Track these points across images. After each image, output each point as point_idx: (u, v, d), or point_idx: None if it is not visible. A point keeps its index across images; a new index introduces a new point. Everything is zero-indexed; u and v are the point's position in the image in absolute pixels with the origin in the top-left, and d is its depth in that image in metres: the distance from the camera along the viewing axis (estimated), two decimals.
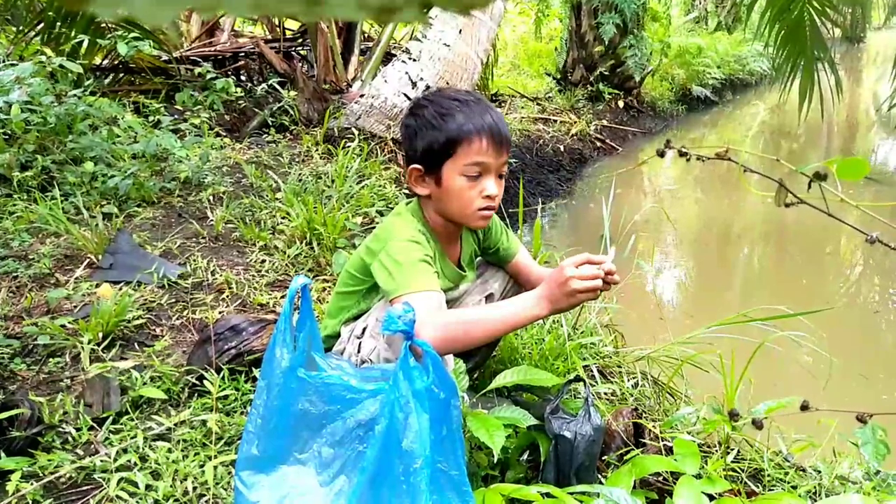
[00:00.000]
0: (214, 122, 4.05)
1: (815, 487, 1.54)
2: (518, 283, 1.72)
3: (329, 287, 2.40)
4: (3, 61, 3.65)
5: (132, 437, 1.53)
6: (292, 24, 5.95)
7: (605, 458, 1.55)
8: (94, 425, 1.58)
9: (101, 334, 1.91)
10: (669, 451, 1.52)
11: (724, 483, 1.35)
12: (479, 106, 1.43)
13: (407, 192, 3.37)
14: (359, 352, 1.41)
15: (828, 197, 0.86)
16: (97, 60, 4.50)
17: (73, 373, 1.79)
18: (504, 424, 1.35)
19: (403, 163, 1.52)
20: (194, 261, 2.43)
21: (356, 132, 3.90)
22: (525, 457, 1.55)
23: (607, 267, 1.29)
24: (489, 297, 1.65)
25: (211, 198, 3.01)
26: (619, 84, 7.21)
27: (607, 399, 1.94)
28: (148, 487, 1.39)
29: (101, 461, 1.45)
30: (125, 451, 1.49)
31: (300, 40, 5.64)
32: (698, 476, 1.34)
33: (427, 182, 1.45)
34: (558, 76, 7.47)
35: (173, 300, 2.18)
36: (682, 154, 0.89)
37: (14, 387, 1.72)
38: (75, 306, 2.08)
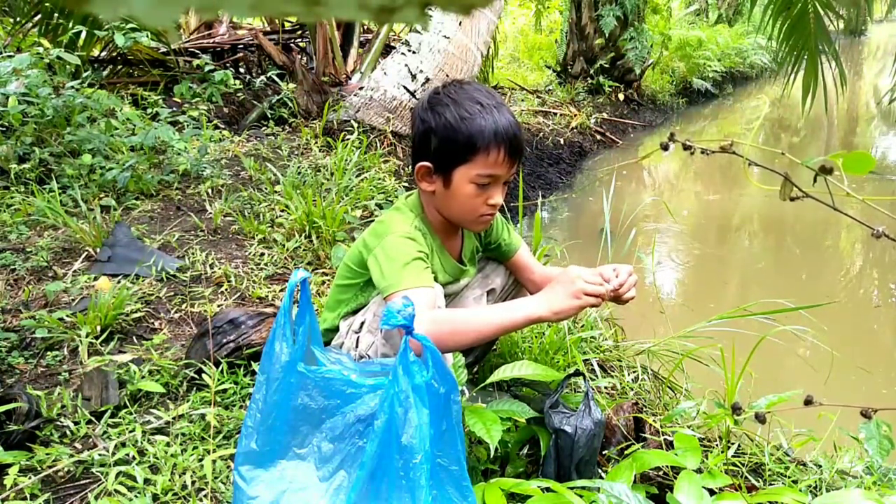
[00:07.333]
0: (213, 114, 4.03)
1: (815, 482, 1.54)
2: (519, 281, 1.70)
3: (328, 280, 2.39)
4: (1, 53, 3.63)
5: (130, 431, 1.53)
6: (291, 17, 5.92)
7: (605, 452, 1.55)
8: (93, 419, 1.57)
9: (99, 327, 1.90)
10: (670, 445, 1.52)
11: (725, 478, 1.35)
12: (500, 112, 1.37)
13: (406, 185, 3.36)
14: (356, 347, 1.40)
15: (831, 191, 0.85)
16: (95, 52, 4.48)
17: (72, 366, 1.79)
18: (503, 418, 1.34)
19: (411, 155, 1.49)
20: (193, 254, 2.42)
21: (355, 125, 3.88)
22: (525, 451, 1.54)
23: (621, 279, 1.31)
24: (490, 293, 1.64)
25: (209, 191, 3.00)
26: (620, 77, 7.18)
27: (607, 393, 1.94)
28: (146, 481, 1.38)
29: (100, 455, 1.44)
30: (123, 444, 1.49)
31: (299, 32, 5.61)
32: (699, 470, 1.34)
33: (434, 180, 1.43)
34: (558, 69, 7.44)
35: (172, 293, 2.17)
36: (686, 147, 0.88)
37: (12, 380, 1.72)
38: (73, 299, 2.08)
